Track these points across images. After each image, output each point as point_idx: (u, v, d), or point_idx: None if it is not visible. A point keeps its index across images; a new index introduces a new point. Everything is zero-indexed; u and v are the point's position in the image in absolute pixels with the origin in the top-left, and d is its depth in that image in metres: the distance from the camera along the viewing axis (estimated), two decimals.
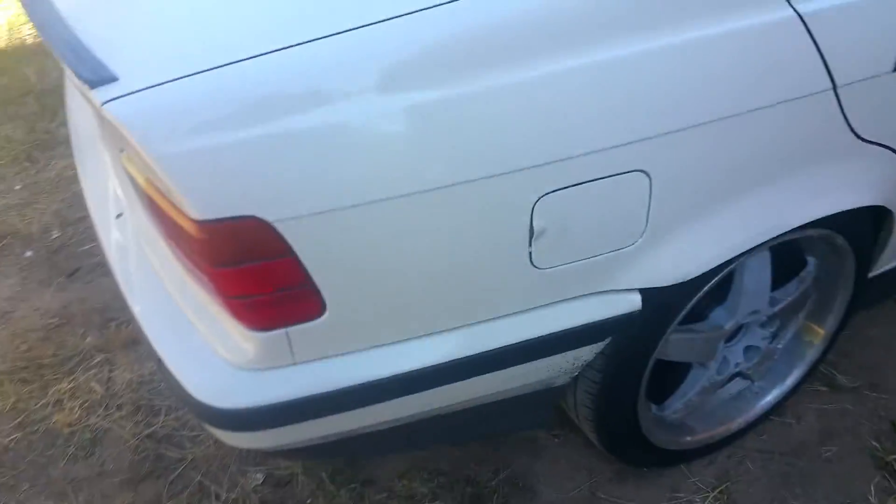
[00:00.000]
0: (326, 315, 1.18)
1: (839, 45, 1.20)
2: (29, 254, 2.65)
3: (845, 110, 1.27)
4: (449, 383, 1.33)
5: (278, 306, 1.17)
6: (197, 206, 1.04)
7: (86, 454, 1.97)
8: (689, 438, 1.75)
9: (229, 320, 1.22)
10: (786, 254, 1.54)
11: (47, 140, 3.17)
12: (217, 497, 1.84)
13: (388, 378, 1.27)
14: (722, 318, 1.55)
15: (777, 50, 1.17)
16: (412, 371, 1.28)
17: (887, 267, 1.70)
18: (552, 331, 1.31)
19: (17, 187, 2.96)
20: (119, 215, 1.58)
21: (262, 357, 1.22)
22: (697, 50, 1.13)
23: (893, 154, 1.38)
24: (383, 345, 1.26)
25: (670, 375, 1.66)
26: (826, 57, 1.20)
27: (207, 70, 1.02)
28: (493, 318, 1.28)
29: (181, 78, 1.02)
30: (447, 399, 1.38)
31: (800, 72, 1.20)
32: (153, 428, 2.02)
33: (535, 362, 1.35)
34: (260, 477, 1.88)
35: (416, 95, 1.05)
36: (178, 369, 1.29)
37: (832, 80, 1.23)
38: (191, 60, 1.04)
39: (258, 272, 1.13)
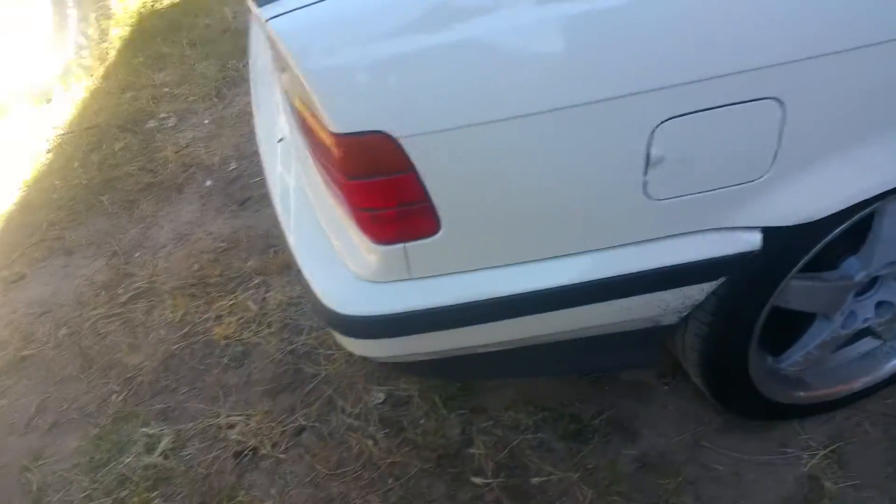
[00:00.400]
0: (441, 233, 1.26)
1: None
2: (209, 183, 2.92)
3: None
4: (554, 310, 1.37)
5: (398, 221, 1.27)
6: (335, 120, 1.14)
7: (237, 364, 2.19)
8: (802, 394, 1.69)
9: (357, 234, 1.33)
10: None
11: (235, 77, 3.47)
12: (343, 411, 2.00)
13: (494, 299, 1.33)
14: (854, 267, 1.48)
15: None
16: (519, 294, 1.33)
17: None
18: (662, 265, 1.31)
19: (206, 121, 3.27)
20: (281, 139, 1.74)
21: (382, 270, 1.32)
22: None
23: None
24: (493, 266, 1.33)
25: (792, 325, 1.61)
26: None
27: None
28: (604, 248, 1.31)
29: None
30: (553, 327, 1.42)
31: None
32: (295, 345, 2.21)
33: (643, 296, 1.36)
34: (381, 396, 2.02)
35: (554, 10, 1.09)
36: (311, 278, 1.42)
37: None
38: None
39: (383, 186, 1.23)
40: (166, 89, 3.53)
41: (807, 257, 1.37)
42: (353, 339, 1.41)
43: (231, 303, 2.38)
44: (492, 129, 1.16)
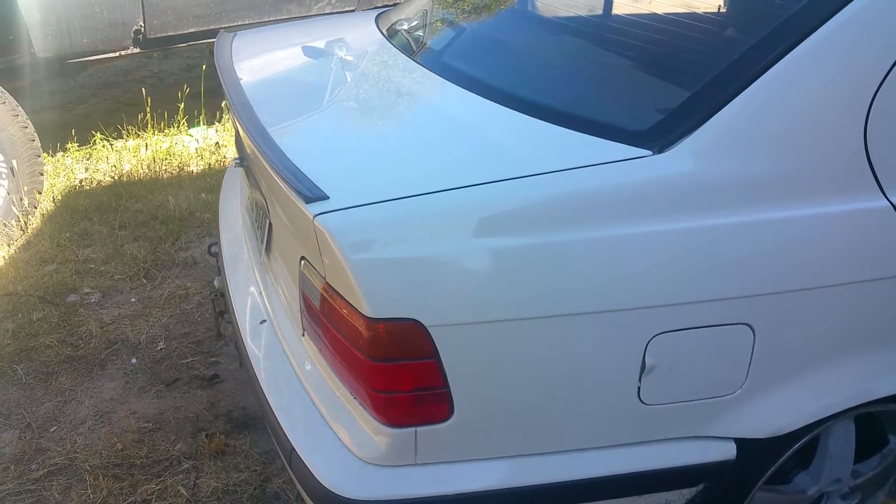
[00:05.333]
0: (452, 419, 1.34)
1: None
2: (134, 361, 2.84)
3: None
4: None
5: (414, 405, 1.34)
6: (372, 306, 1.24)
7: None
8: None
9: (364, 416, 1.38)
10: (868, 429, 1.64)
11: (166, 261, 3.47)
12: None
13: (487, 493, 1.39)
14: (806, 482, 1.64)
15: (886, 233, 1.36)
16: (513, 489, 1.40)
17: None
18: (649, 468, 1.42)
19: (133, 300, 3.22)
20: (262, 321, 1.78)
21: (389, 454, 1.36)
22: (815, 224, 1.33)
23: None
24: (492, 458, 1.40)
25: None
26: None
27: (398, 198, 1.28)
28: (599, 448, 1.41)
29: (378, 202, 1.27)
30: None
31: None
32: None
33: (629, 499, 1.46)
34: None
35: (570, 236, 1.27)
36: (309, 459, 1.43)
37: None
38: (383, 189, 1.30)
39: (405, 370, 1.31)
40: (91, 265, 3.48)
41: (773, 468, 1.51)
42: None
43: (159, 487, 2.25)
44: (511, 327, 1.29)
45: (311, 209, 1.26)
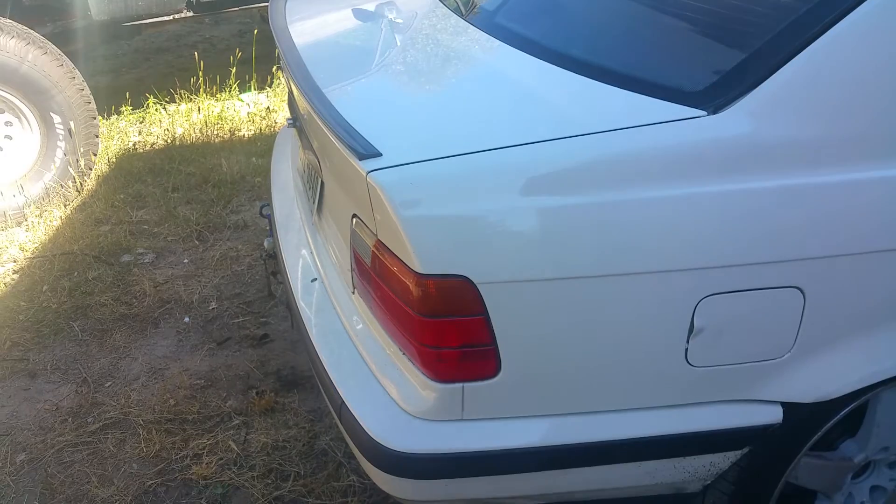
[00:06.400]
0: (500, 376, 1.36)
1: None
2: (187, 319, 2.92)
3: None
4: (591, 465, 1.46)
5: (461, 361, 1.36)
6: (423, 262, 1.26)
7: None
8: None
9: (413, 371, 1.41)
10: None
11: (218, 223, 3.54)
12: None
13: (531, 449, 1.41)
14: (852, 450, 1.62)
15: None
16: (557, 446, 1.42)
17: None
18: (696, 430, 1.43)
19: (185, 261, 3.30)
20: (314, 280, 1.82)
21: (437, 408, 1.39)
22: (869, 188, 1.31)
23: None
24: (538, 416, 1.42)
25: None
26: None
27: (450, 156, 1.29)
28: (645, 408, 1.42)
29: (430, 160, 1.29)
30: (585, 483, 1.49)
31: None
32: (281, 491, 2.15)
33: (674, 460, 1.46)
34: None
35: (623, 196, 1.27)
36: (359, 412, 1.46)
37: None
38: (435, 147, 1.31)
39: (454, 326, 1.33)
40: (145, 227, 3.57)
41: (819, 433, 1.50)
42: (397, 479, 1.42)
43: (210, 442, 2.33)
44: (560, 286, 1.30)
45: (364, 166, 1.28)
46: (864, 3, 1.27)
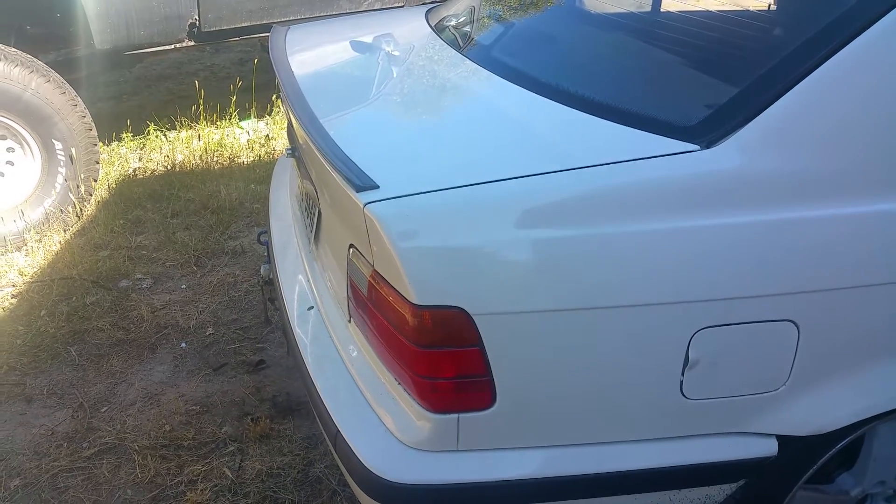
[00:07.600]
0: (495, 407, 1.36)
1: None
2: (184, 345, 2.92)
3: None
4: (586, 497, 1.46)
5: (457, 392, 1.36)
6: (419, 293, 1.27)
7: None
8: None
9: (408, 401, 1.41)
10: None
11: (216, 249, 3.56)
12: None
13: (526, 481, 1.41)
14: (849, 483, 1.62)
15: None
16: (552, 478, 1.42)
17: None
18: (692, 462, 1.43)
19: (183, 286, 3.31)
20: (310, 307, 1.83)
21: (432, 439, 1.39)
22: (862, 222, 1.32)
23: None
24: (533, 447, 1.42)
25: None
26: None
27: (447, 189, 1.31)
28: (641, 440, 1.42)
29: (427, 192, 1.30)
30: None
31: None
32: None
33: (670, 492, 1.46)
34: None
35: (617, 229, 1.28)
36: (353, 442, 1.46)
37: None
38: (432, 179, 1.33)
39: (449, 357, 1.34)
40: (143, 252, 3.58)
41: (814, 467, 1.50)
42: None
43: (205, 468, 2.32)
44: (555, 318, 1.31)
45: (361, 198, 1.29)
46: (857, 38, 1.29)
